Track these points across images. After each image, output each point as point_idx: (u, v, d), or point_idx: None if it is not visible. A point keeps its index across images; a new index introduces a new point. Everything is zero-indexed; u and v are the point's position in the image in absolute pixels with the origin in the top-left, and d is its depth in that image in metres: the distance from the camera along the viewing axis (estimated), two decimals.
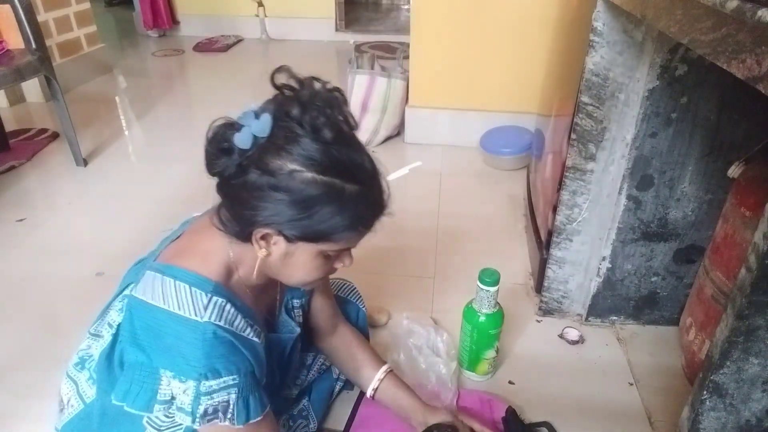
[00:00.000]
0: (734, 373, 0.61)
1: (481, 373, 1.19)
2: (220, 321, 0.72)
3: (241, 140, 0.67)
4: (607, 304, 1.33)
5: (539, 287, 1.38)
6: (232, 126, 0.69)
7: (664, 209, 1.18)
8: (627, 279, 1.28)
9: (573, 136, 1.14)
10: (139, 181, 2.09)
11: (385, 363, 1.06)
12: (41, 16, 2.73)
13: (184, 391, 0.71)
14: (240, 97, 2.93)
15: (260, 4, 4.03)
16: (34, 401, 1.13)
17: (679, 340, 1.24)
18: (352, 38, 4.04)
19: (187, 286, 0.72)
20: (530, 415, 1.11)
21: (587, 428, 1.09)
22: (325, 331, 1.06)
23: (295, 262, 0.75)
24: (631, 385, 1.19)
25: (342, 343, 1.07)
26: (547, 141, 1.53)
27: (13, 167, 2.14)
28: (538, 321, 1.38)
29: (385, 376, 1.03)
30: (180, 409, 0.72)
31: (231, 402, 0.73)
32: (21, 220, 1.81)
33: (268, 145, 0.67)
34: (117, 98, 3.02)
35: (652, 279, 1.28)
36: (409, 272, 1.56)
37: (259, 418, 0.76)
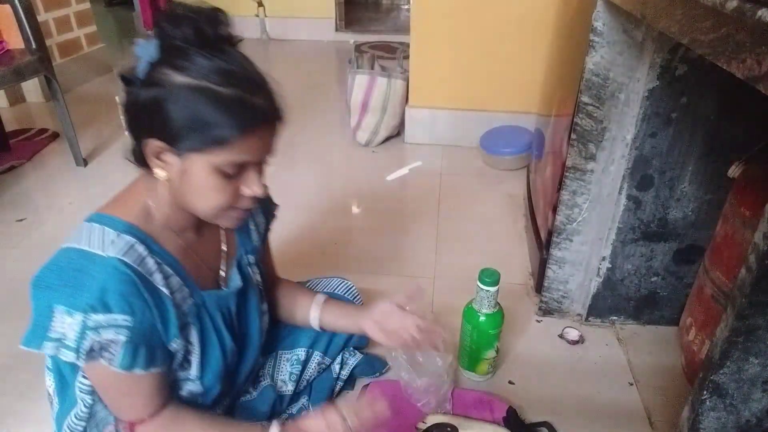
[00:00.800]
0: (734, 373, 0.61)
1: (481, 373, 1.19)
2: (124, 257, 0.71)
3: (140, 71, 0.70)
4: (607, 304, 1.33)
5: (539, 287, 1.38)
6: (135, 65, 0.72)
7: (664, 209, 1.18)
8: (627, 279, 1.28)
9: (573, 136, 1.14)
10: None
11: (315, 297, 1.09)
12: (41, 16, 2.73)
13: (70, 326, 0.68)
14: None
15: (260, 4, 4.03)
16: (34, 401, 1.13)
17: (679, 340, 1.24)
18: (352, 38, 4.04)
19: (99, 227, 0.73)
20: (530, 415, 1.11)
21: (587, 428, 1.09)
22: (269, 285, 1.07)
23: (194, 183, 0.73)
24: (631, 385, 1.19)
25: (284, 293, 1.10)
26: (547, 141, 1.53)
27: (13, 167, 2.14)
28: (538, 321, 1.38)
29: (321, 310, 1.07)
30: (65, 345, 0.69)
31: (118, 343, 0.70)
32: (21, 220, 1.81)
33: (155, 64, 0.70)
34: (117, 98, 3.01)
35: (652, 279, 1.28)
36: (409, 272, 1.56)
37: (142, 372, 0.73)
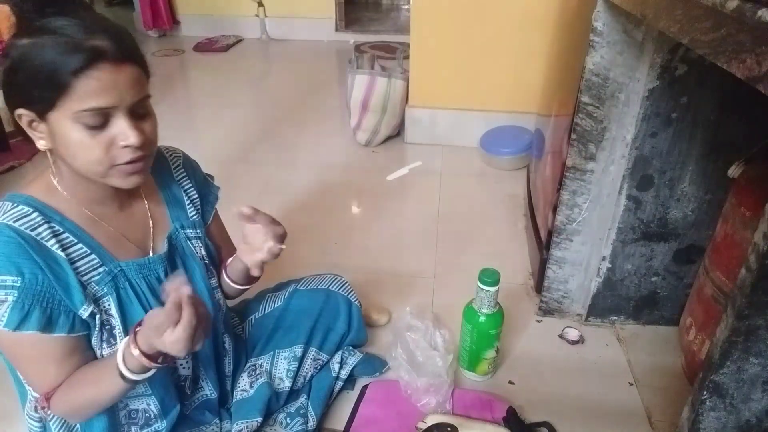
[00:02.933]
0: (734, 373, 0.61)
1: (481, 373, 1.19)
2: (15, 223, 0.73)
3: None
4: (607, 304, 1.33)
5: (539, 287, 1.38)
6: None
7: (664, 209, 1.18)
8: (627, 279, 1.28)
9: (573, 136, 1.14)
10: None
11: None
12: None
13: None
14: (240, 97, 2.94)
15: (260, 4, 4.03)
16: None
17: (679, 340, 1.24)
18: (352, 38, 4.04)
19: (4, 202, 0.76)
20: (530, 415, 1.11)
21: (587, 428, 1.09)
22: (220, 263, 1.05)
23: (66, 143, 0.73)
24: (631, 385, 1.19)
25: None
26: (547, 141, 1.53)
27: (13, 167, 2.14)
28: (538, 321, 1.38)
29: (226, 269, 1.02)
30: None
31: (7, 303, 0.71)
32: None
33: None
34: None
35: (652, 279, 1.28)
36: (409, 272, 1.56)
37: (31, 332, 0.73)
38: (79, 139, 0.72)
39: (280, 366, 1.09)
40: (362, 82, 2.26)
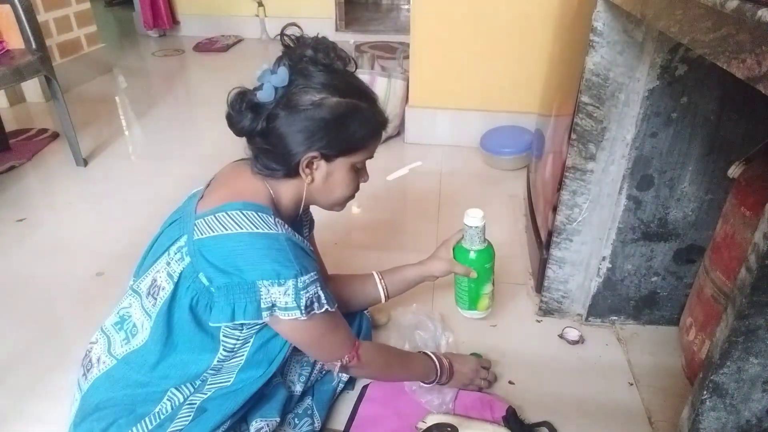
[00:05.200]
0: (734, 373, 0.61)
1: (483, 308, 1.22)
2: (288, 233, 0.85)
3: (265, 95, 0.82)
4: (607, 304, 1.33)
5: (539, 287, 1.38)
6: (250, 90, 0.84)
7: (664, 209, 1.18)
8: (627, 279, 1.28)
9: (573, 136, 1.14)
10: (139, 181, 2.09)
11: (371, 274, 1.21)
12: (41, 16, 2.73)
13: (285, 293, 0.81)
14: None
15: (260, 4, 4.03)
16: (34, 401, 1.13)
17: (679, 340, 1.24)
18: (352, 38, 4.04)
19: (252, 212, 0.83)
20: (530, 415, 1.11)
21: (587, 428, 1.09)
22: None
23: (335, 180, 0.91)
24: (631, 385, 1.19)
25: (338, 285, 1.18)
26: (547, 141, 1.53)
27: (13, 167, 2.14)
28: (538, 321, 1.38)
29: (382, 278, 1.20)
30: (286, 308, 0.82)
31: (319, 293, 0.85)
32: (21, 220, 1.81)
33: (290, 90, 0.83)
34: (117, 98, 3.02)
35: (652, 279, 1.28)
36: None
37: (336, 306, 0.89)
38: (349, 180, 0.93)
39: (293, 369, 1.09)
40: None
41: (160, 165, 2.20)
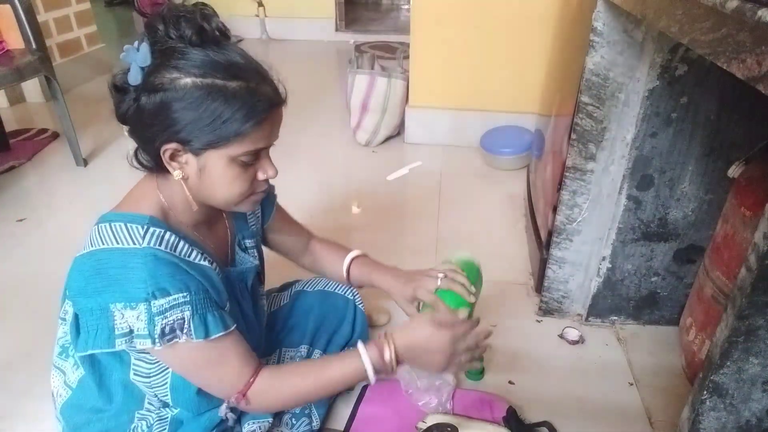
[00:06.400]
0: (734, 373, 0.61)
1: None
2: (160, 246, 0.74)
3: (132, 77, 0.70)
4: (607, 304, 1.33)
5: (539, 287, 1.38)
6: (122, 72, 0.72)
7: (664, 209, 1.18)
8: (627, 279, 1.28)
9: (573, 136, 1.14)
10: None
11: (349, 252, 1.10)
12: (41, 16, 2.73)
13: (137, 317, 0.71)
14: None
15: (260, 4, 4.03)
16: (34, 401, 1.13)
17: (679, 340, 1.24)
18: (352, 38, 4.04)
19: (122, 224, 0.74)
20: (530, 415, 1.11)
21: (587, 428, 1.09)
22: (298, 252, 1.14)
23: (212, 176, 0.75)
24: (631, 385, 1.19)
25: (316, 255, 1.13)
26: (547, 141, 1.53)
27: (13, 167, 2.14)
28: (538, 321, 1.38)
29: (352, 261, 1.08)
30: (138, 335, 0.73)
31: (186, 318, 0.73)
32: (21, 220, 1.81)
33: (152, 68, 0.70)
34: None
35: (652, 279, 1.28)
36: None
37: (221, 334, 0.76)
38: (232, 176, 0.75)
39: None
40: (362, 82, 2.26)
41: None
